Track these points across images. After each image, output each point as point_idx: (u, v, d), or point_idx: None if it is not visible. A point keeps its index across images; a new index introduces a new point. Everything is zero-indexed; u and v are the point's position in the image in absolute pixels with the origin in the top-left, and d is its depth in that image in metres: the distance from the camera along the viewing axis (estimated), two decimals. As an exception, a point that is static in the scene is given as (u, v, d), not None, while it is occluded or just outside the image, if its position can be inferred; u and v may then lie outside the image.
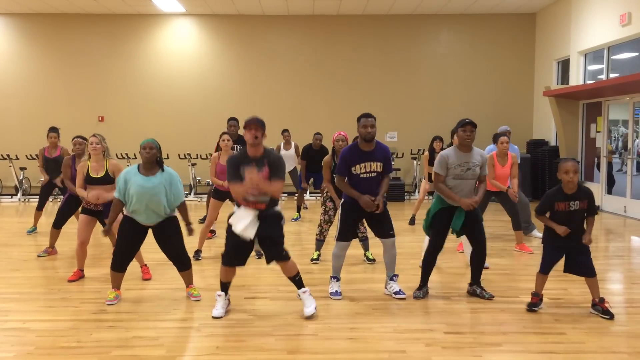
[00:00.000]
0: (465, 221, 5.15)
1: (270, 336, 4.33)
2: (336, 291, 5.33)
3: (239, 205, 4.70)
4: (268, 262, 4.81)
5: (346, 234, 5.25)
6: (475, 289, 5.31)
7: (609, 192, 11.65)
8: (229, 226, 4.70)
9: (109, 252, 7.23)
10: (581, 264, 4.78)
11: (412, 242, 8.11)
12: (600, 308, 4.76)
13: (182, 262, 5.22)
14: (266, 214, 4.64)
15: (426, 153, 9.43)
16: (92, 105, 14.49)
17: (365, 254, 6.85)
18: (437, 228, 5.23)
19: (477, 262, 5.30)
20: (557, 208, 4.73)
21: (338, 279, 5.40)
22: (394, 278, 5.43)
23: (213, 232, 8.40)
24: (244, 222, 4.55)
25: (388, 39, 14.58)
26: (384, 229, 5.26)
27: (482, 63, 14.59)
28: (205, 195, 9.75)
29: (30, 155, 13.50)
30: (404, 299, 5.27)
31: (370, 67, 14.59)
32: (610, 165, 12.06)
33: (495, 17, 14.46)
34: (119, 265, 5.11)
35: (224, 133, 7.25)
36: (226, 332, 4.41)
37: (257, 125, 4.53)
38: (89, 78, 14.52)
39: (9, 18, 14.42)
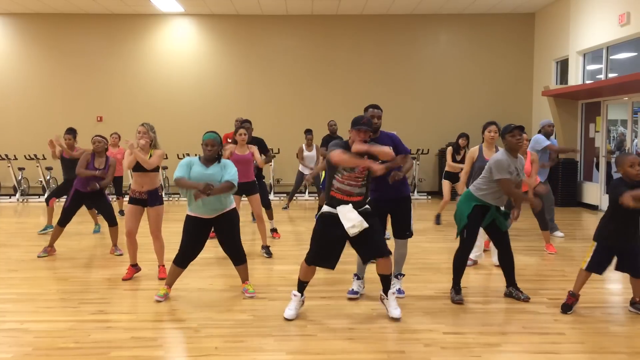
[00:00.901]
0: (492, 223, 5.16)
1: (270, 337, 4.32)
2: (352, 290, 5.38)
3: (332, 204, 4.61)
4: (366, 260, 4.83)
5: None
6: (511, 291, 5.28)
7: (608, 192, 11.61)
8: (320, 224, 4.64)
9: (111, 254, 7.25)
10: (632, 263, 4.73)
11: (410, 242, 8.08)
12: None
13: (238, 256, 5.30)
14: (360, 212, 4.56)
15: (450, 148, 9.21)
16: (90, 105, 14.46)
17: None
18: (472, 226, 5.14)
19: (507, 264, 5.27)
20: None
21: (360, 277, 5.41)
22: (399, 277, 5.43)
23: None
24: (353, 216, 4.45)
25: (387, 38, 14.56)
26: (402, 228, 5.26)
27: (481, 63, 14.58)
28: None
29: (29, 155, 13.48)
30: (400, 297, 5.26)
31: (369, 67, 14.58)
32: (609, 165, 12.05)
33: (494, 16, 14.46)
34: (183, 261, 5.19)
35: (241, 127, 7.19)
36: (225, 333, 4.40)
37: (367, 129, 4.54)
38: (87, 78, 14.50)
39: (7, 18, 14.40)
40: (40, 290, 5.63)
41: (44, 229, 8.81)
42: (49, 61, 14.48)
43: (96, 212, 8.90)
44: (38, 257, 7.14)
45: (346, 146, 4.60)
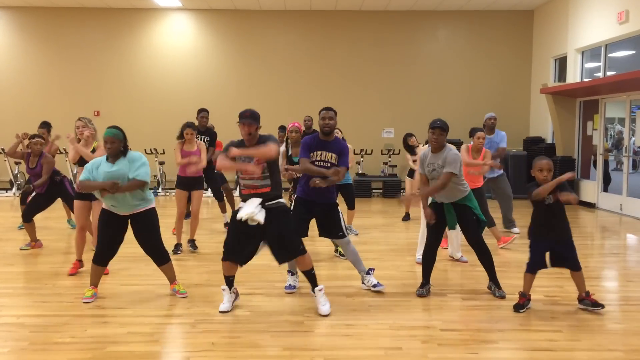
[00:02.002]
0: (458, 219, 5.20)
1: (266, 332, 4.31)
2: (289, 285, 5.43)
3: (244, 200, 4.65)
4: (281, 262, 4.80)
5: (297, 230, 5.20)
6: (490, 286, 5.31)
7: (605, 190, 11.66)
8: (233, 222, 4.66)
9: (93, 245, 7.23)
10: (567, 258, 4.78)
11: (407, 238, 8.10)
12: (589, 302, 4.79)
13: (158, 256, 5.14)
14: (272, 208, 4.59)
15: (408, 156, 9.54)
16: (87, 100, 14.41)
17: (336, 249, 6.87)
18: (428, 225, 5.27)
19: (482, 262, 5.30)
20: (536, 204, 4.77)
21: (293, 273, 5.45)
22: (370, 272, 5.44)
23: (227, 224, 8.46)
24: (250, 207, 4.47)
25: (385, 35, 14.54)
26: (331, 231, 5.30)
27: (479, 60, 14.57)
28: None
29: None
30: (381, 291, 5.31)
31: (368, 63, 14.56)
32: (606, 163, 12.08)
33: (492, 13, 14.44)
34: (101, 258, 5.05)
35: (187, 126, 7.19)
36: (222, 329, 4.39)
37: (250, 122, 4.58)
38: (84, 72, 14.45)
39: (3, 11, 14.33)
40: (37, 285, 5.62)
41: (21, 226, 8.77)
42: (46, 55, 14.42)
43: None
44: (20, 249, 7.20)
45: (241, 144, 4.64)
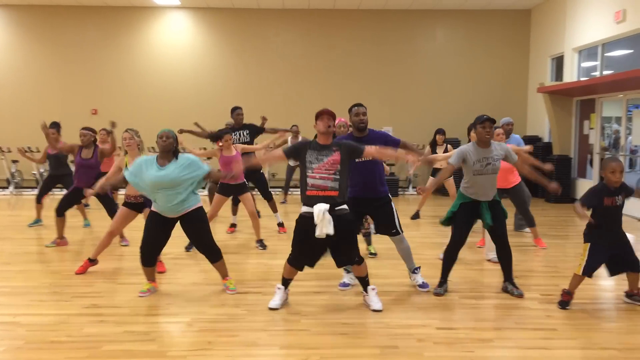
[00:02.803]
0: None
1: (263, 331, 4.32)
2: (343, 282, 5.45)
3: (309, 204, 4.59)
4: (340, 265, 4.90)
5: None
6: (507, 286, 5.30)
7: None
8: (298, 227, 4.68)
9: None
10: (630, 261, 4.83)
11: (407, 237, 8.10)
12: (639, 298, 4.90)
13: (212, 253, 5.22)
14: (338, 214, 4.57)
15: (428, 147, 9.52)
16: (85, 98, 14.40)
17: (367, 248, 6.87)
18: (460, 223, 5.23)
19: (503, 259, 5.29)
20: (606, 203, 4.73)
21: (349, 271, 5.47)
22: (416, 271, 5.47)
23: (234, 225, 8.43)
24: (321, 222, 4.44)
25: (383, 34, 14.55)
26: (386, 227, 5.34)
27: (477, 59, 14.59)
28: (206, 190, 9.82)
29: (22, 148, 13.39)
30: (428, 291, 5.34)
31: (366, 62, 14.56)
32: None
33: (490, 13, 14.46)
34: (146, 259, 5.11)
35: (225, 133, 7.24)
36: (218, 327, 4.40)
37: (329, 115, 4.75)
38: (82, 70, 14.43)
39: (2, 9, 14.30)
40: (33, 284, 5.62)
41: (33, 222, 8.82)
42: (44, 53, 14.40)
43: (84, 206, 8.93)
44: (46, 247, 7.26)
45: (316, 143, 4.72)
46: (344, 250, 4.69)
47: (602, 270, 5.08)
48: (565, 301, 4.89)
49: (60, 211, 7.25)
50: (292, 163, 10.84)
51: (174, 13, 14.47)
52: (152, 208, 5.09)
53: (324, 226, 4.43)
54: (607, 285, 5.79)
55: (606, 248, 4.80)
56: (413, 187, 13.93)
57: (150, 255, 5.12)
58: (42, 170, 13.38)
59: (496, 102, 14.47)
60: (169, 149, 4.98)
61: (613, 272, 4.93)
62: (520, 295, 5.17)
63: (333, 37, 14.53)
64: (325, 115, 4.72)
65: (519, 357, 3.92)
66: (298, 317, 4.64)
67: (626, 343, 4.14)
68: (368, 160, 5.13)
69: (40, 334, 4.24)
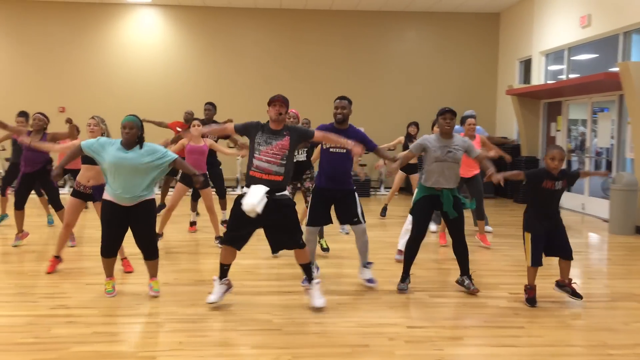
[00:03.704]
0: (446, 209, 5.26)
1: (234, 331, 4.31)
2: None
3: (248, 186, 4.63)
4: (275, 251, 4.90)
5: (316, 219, 5.36)
6: (463, 280, 5.37)
7: (568, 190, 11.91)
8: (235, 206, 4.65)
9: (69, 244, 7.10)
10: (561, 245, 4.96)
11: (376, 237, 8.16)
12: (570, 289, 5.00)
13: (152, 249, 5.07)
14: (277, 199, 4.59)
15: (400, 138, 9.54)
16: (52, 95, 14.09)
17: (319, 242, 6.86)
18: (418, 217, 5.31)
19: (459, 253, 5.37)
20: (545, 186, 4.87)
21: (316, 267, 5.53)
22: (368, 265, 5.52)
23: (194, 224, 8.36)
24: (254, 198, 4.45)
25: (355, 35, 14.61)
26: (348, 216, 5.41)
27: (447, 61, 14.76)
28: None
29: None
30: (372, 288, 5.39)
31: (337, 63, 14.60)
32: (569, 163, 12.38)
33: (459, 15, 14.65)
34: (108, 250, 4.99)
35: (194, 118, 7.26)
36: (189, 327, 4.36)
37: (282, 102, 4.74)
38: (49, 68, 14.13)
39: (-36, 3, 13.93)
40: (-2, 285, 5.49)
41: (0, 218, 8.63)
42: (8, 49, 14.06)
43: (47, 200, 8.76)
44: (13, 246, 7.06)
45: (267, 126, 4.79)
46: (282, 236, 4.73)
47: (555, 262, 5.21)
48: (531, 297, 4.99)
49: (21, 204, 7.08)
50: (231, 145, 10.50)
51: (144, 10, 14.29)
52: (105, 197, 4.90)
53: (255, 203, 4.43)
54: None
55: (543, 232, 4.94)
56: (385, 188, 14.02)
57: (112, 246, 4.98)
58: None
59: (466, 103, 14.62)
60: (133, 140, 4.84)
61: (548, 252, 5.02)
62: (476, 291, 5.26)
63: (305, 36, 14.53)
64: (277, 102, 4.74)
65: (488, 355, 3.99)
66: (269, 316, 4.64)
67: (592, 340, 4.25)
68: (341, 152, 5.26)
69: (8, 335, 4.15)
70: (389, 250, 6.93)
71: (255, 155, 4.67)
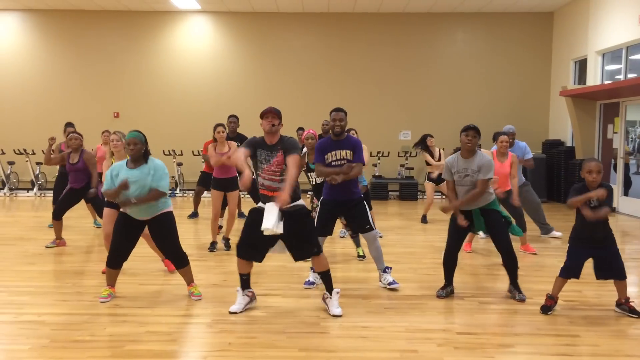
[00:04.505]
0: (487, 225, 5.18)
1: (282, 333, 4.33)
2: (308, 280, 5.59)
3: (262, 201, 4.69)
4: (297, 259, 4.88)
5: (321, 229, 5.36)
6: (511, 289, 5.28)
7: (626, 194, 11.51)
8: (249, 218, 4.70)
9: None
10: (612, 268, 4.76)
11: (424, 241, 8.08)
12: (627, 307, 4.80)
13: (178, 259, 5.16)
14: (289, 211, 4.61)
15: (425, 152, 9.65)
16: (107, 101, 14.60)
17: (357, 250, 6.92)
18: (451, 233, 5.28)
19: (507, 267, 5.27)
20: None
21: (315, 270, 5.45)
22: (387, 270, 5.56)
23: (220, 227, 8.46)
24: (270, 221, 4.47)
25: (403, 37, 14.51)
26: (360, 224, 5.44)
27: (498, 62, 14.48)
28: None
29: (18, 150, 13.73)
30: (396, 289, 5.43)
31: (386, 65, 14.54)
32: (627, 166, 11.92)
33: (511, 15, 14.34)
34: (114, 261, 5.09)
35: (218, 125, 7.40)
36: (238, 329, 4.42)
37: (274, 114, 4.70)
38: (104, 74, 14.63)
39: (27, 14, 14.57)
40: (57, 284, 5.71)
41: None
42: (68, 57, 14.64)
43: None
44: (46, 247, 7.37)
45: (262, 141, 4.73)
46: (300, 244, 4.74)
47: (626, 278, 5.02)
48: (547, 306, 4.86)
49: (58, 215, 7.38)
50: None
51: (195, 17, 14.61)
52: (122, 209, 5.08)
53: (273, 226, 4.43)
54: (630, 292, 5.70)
55: (585, 250, 4.76)
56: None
57: (118, 257, 5.08)
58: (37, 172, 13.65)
59: (517, 105, 14.35)
60: (139, 155, 4.94)
61: (599, 276, 4.85)
62: (522, 300, 5.14)
63: (352, 40, 14.53)
64: (269, 114, 4.71)
65: (540, 363, 3.88)
66: (318, 319, 4.65)
67: (651, 350, 4.08)
68: (342, 164, 5.31)
69: (65, 333, 4.31)
70: (436, 255, 6.84)
71: (259, 173, 4.73)
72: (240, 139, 8.60)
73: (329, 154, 5.36)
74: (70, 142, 7.34)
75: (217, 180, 7.27)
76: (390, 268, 5.62)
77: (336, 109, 5.41)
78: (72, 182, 7.35)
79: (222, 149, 7.24)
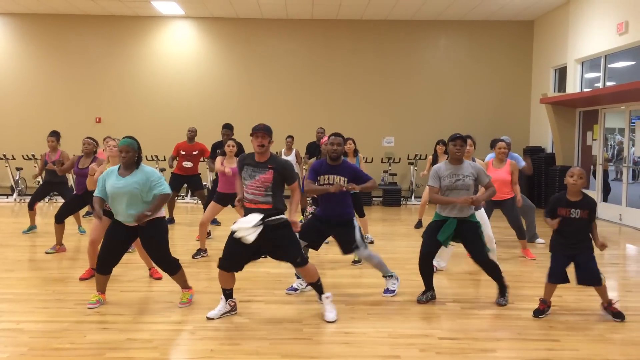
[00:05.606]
0: (463, 237, 5.22)
1: (265, 340, 4.32)
2: (291, 286, 5.63)
3: (245, 214, 4.70)
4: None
5: (304, 235, 5.36)
6: (501, 301, 5.31)
7: (605, 199, 11.67)
8: (232, 231, 4.69)
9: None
10: (588, 273, 4.84)
11: (407, 247, 8.11)
12: (611, 311, 4.90)
13: (167, 265, 5.12)
14: (271, 224, 4.62)
15: (429, 157, 9.57)
16: (89, 107, 14.46)
17: (353, 259, 6.93)
18: (426, 237, 5.31)
19: (491, 276, 5.32)
20: (559, 213, 4.85)
21: (299, 277, 5.55)
22: (386, 278, 5.62)
23: (208, 234, 8.42)
24: (246, 226, 4.53)
25: (387, 44, 14.60)
26: (347, 246, 5.42)
27: (480, 69, 14.62)
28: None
29: (27, 156, 13.50)
30: (391, 296, 5.46)
31: (369, 72, 14.60)
32: (606, 173, 12.10)
33: (493, 24, 14.51)
34: (104, 267, 5.04)
35: (229, 139, 7.51)
36: (221, 336, 4.40)
37: (264, 133, 4.67)
38: (87, 79, 14.50)
39: (7, 18, 14.40)
40: (37, 291, 5.63)
41: (28, 230, 8.88)
42: (48, 62, 14.48)
43: (81, 215, 9.10)
44: (46, 253, 7.32)
45: (251, 157, 4.78)
46: (282, 256, 4.80)
47: (607, 283, 5.09)
48: (539, 309, 4.94)
49: (60, 218, 7.32)
50: None
51: (178, 22, 14.56)
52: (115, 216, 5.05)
53: (247, 231, 4.50)
54: (611, 297, 5.78)
55: (565, 256, 4.88)
56: (416, 197, 13.93)
57: (107, 263, 5.03)
58: (17, 177, 13.51)
59: (499, 112, 14.50)
60: (131, 162, 4.91)
61: (579, 281, 4.92)
62: (500, 305, 5.21)
63: (336, 47, 14.58)
64: (259, 133, 4.67)
65: (521, 368, 3.92)
66: (300, 325, 4.65)
67: (630, 354, 4.14)
68: (333, 184, 5.33)
69: (44, 340, 4.25)
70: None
71: (244, 188, 4.76)
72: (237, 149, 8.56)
73: (323, 176, 5.37)
74: (84, 147, 7.33)
75: (220, 195, 7.19)
76: (392, 276, 5.61)
77: (335, 133, 5.44)
78: (79, 189, 7.26)
79: (231, 164, 7.19)
